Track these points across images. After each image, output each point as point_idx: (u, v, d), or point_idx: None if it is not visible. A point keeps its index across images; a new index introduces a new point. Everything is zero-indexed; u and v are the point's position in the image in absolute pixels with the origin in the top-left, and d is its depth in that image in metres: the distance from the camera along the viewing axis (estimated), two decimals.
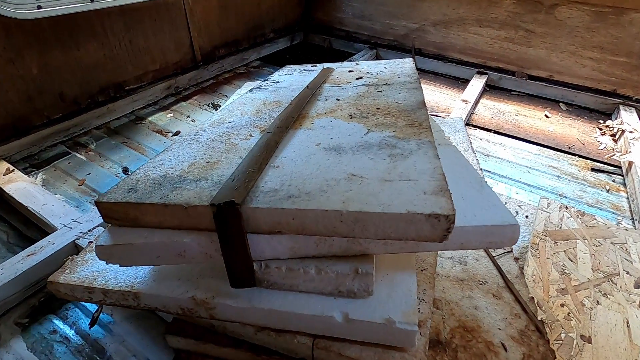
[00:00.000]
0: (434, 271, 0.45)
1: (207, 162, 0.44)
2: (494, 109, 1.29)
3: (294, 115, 0.55)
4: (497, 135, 1.15)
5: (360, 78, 0.78)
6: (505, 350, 0.38)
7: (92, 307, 0.60)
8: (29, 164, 0.90)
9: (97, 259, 0.46)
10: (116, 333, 0.56)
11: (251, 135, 0.51)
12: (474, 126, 1.19)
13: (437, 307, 0.43)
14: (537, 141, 1.12)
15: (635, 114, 1.21)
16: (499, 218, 0.35)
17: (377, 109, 0.56)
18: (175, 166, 0.44)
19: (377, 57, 1.65)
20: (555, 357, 0.37)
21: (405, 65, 0.83)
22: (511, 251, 0.51)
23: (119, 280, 0.42)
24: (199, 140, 0.51)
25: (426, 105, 0.55)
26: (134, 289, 0.40)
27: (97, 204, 0.38)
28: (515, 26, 1.38)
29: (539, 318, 0.40)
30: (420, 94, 0.62)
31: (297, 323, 0.37)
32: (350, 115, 0.55)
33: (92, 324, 0.58)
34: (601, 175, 1.01)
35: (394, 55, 1.62)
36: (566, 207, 0.78)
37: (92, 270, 0.44)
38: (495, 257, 0.50)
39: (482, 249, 0.52)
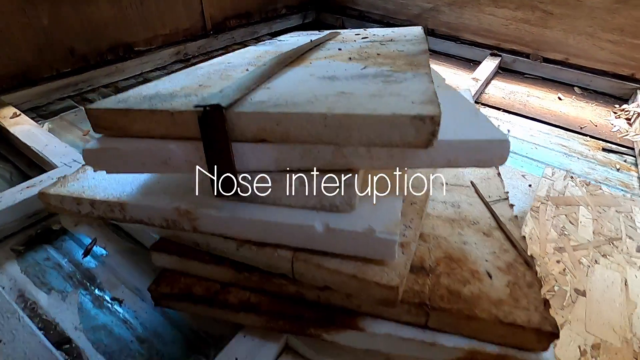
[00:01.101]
0: (423, 205, 0.44)
1: (199, 85, 0.44)
2: (505, 90, 1.26)
3: (293, 57, 0.55)
4: (506, 114, 1.12)
5: (366, 38, 0.77)
6: (490, 277, 0.37)
7: (86, 240, 0.61)
8: (37, 114, 0.92)
9: (88, 177, 0.46)
10: (108, 264, 0.57)
11: (247, 70, 0.51)
12: (483, 104, 1.17)
13: (424, 240, 0.42)
14: (548, 121, 1.09)
15: None
16: (488, 133, 0.34)
17: (378, 54, 0.56)
18: (168, 87, 0.44)
19: None
20: (542, 286, 0.36)
21: (413, 30, 0.82)
22: (507, 198, 0.50)
23: (107, 193, 0.42)
24: (195, 72, 0.51)
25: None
26: (120, 200, 0.41)
27: (87, 110, 0.39)
28: (532, 7, 1.34)
29: (529, 254, 0.39)
30: (424, 45, 0.61)
31: (278, 234, 0.36)
32: (350, 58, 0.54)
33: (85, 254, 0.59)
34: (612, 155, 0.97)
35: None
36: (571, 177, 0.76)
37: (82, 185, 0.44)
38: (490, 202, 0.49)
39: (477, 195, 0.50)
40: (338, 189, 0.35)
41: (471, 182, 0.54)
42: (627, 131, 1.05)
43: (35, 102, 0.93)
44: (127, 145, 0.38)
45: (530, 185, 0.76)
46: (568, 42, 1.31)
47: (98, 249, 0.60)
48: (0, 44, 0.85)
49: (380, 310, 0.37)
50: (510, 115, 1.12)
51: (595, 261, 0.56)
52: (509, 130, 1.02)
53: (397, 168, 0.39)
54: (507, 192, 0.52)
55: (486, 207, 0.48)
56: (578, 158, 0.94)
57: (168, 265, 0.44)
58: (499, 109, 1.14)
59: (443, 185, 0.54)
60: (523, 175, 0.80)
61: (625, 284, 0.53)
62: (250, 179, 0.37)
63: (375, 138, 0.32)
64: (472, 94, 1.08)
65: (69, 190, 0.43)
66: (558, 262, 0.55)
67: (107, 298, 0.52)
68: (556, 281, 0.52)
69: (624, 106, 1.18)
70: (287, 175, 0.36)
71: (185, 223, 0.39)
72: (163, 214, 0.39)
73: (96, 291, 0.53)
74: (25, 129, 0.77)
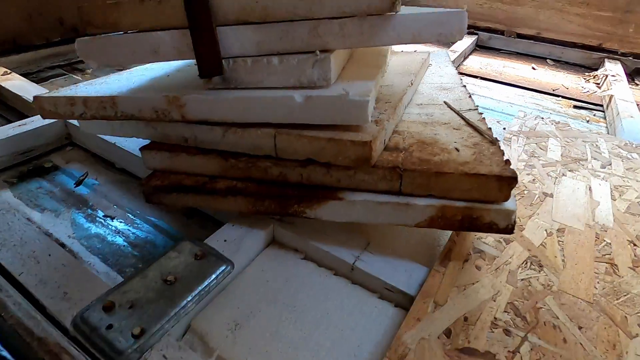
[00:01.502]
0: (397, 103, 0.47)
1: None
2: (482, 62, 1.32)
3: None
4: (483, 81, 1.18)
5: None
6: (458, 151, 0.41)
7: (78, 174, 0.62)
8: (27, 80, 0.94)
9: (80, 87, 0.49)
10: (100, 191, 0.59)
11: None
12: (461, 74, 1.22)
13: (398, 134, 0.46)
14: (522, 85, 1.15)
15: (620, 65, 1.24)
16: (448, 10, 0.38)
17: None
18: None
19: None
20: (504, 155, 0.40)
21: None
22: (477, 109, 0.53)
23: (99, 93, 0.44)
24: None
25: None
26: (112, 95, 0.43)
27: (79, 8, 0.41)
28: None
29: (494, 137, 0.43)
30: None
31: (260, 112, 0.39)
32: None
33: (77, 184, 0.60)
34: (582, 111, 1.03)
35: None
36: (542, 117, 0.81)
37: (75, 90, 0.46)
38: (461, 112, 0.52)
39: (449, 109, 0.54)
40: (314, 63, 0.38)
41: (444, 102, 0.58)
42: (595, 93, 1.11)
43: (25, 68, 0.95)
44: (119, 36, 0.40)
45: (504, 128, 0.81)
46: (539, 17, 1.39)
47: (90, 180, 0.61)
48: None
49: (357, 182, 0.40)
50: (487, 82, 1.17)
51: (563, 174, 0.60)
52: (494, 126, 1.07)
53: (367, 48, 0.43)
54: (477, 106, 0.56)
55: (457, 114, 0.52)
56: (551, 113, 0.99)
57: (158, 165, 0.46)
58: (476, 77, 1.20)
59: (418, 105, 0.57)
60: (498, 121, 0.85)
61: (590, 189, 0.56)
62: (232, 63, 0.40)
63: (345, 6, 0.36)
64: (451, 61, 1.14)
65: (62, 94, 0.46)
66: (528, 174, 0.59)
67: (100, 215, 0.54)
68: (525, 187, 0.56)
69: (593, 72, 1.24)
70: (267, 57, 0.39)
71: (174, 111, 0.42)
72: (153, 104, 0.42)
73: (89, 211, 0.55)
74: (17, 84, 0.79)
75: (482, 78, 1.19)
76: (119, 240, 0.50)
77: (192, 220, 0.54)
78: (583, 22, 1.33)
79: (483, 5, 1.47)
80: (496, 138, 0.44)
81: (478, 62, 1.32)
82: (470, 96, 0.61)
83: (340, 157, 0.38)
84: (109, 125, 0.50)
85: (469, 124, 0.48)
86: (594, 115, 1.00)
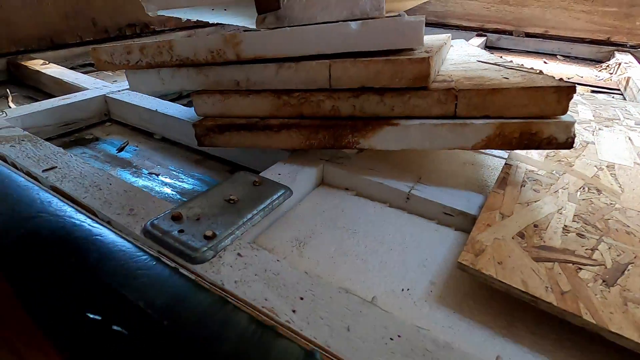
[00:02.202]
0: (438, 49, 0.49)
1: None
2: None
3: None
4: None
5: None
6: (507, 79, 0.42)
7: (119, 143, 0.64)
8: None
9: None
10: (142, 155, 0.60)
11: None
12: None
13: (442, 76, 0.47)
14: None
15: (630, 56, 1.27)
16: None
17: None
18: None
19: None
20: (573, 90, 0.40)
21: None
22: (512, 61, 0.55)
23: (155, 39, 0.46)
24: None
25: None
26: (169, 40, 0.45)
27: None
28: None
29: None
30: None
31: (316, 43, 0.41)
32: None
33: (119, 150, 0.61)
34: (600, 95, 1.04)
35: None
36: None
37: (123, 43, 0.49)
38: (497, 63, 0.54)
39: (479, 62, 0.55)
40: None
41: (478, 60, 0.59)
42: (610, 80, 1.13)
43: (60, 64, 0.98)
44: None
45: None
46: (545, 16, 1.44)
47: (131, 147, 0.62)
48: (33, 9, 0.92)
49: (411, 108, 0.41)
50: None
51: (599, 129, 0.60)
52: None
53: None
54: (512, 61, 0.57)
55: (495, 65, 0.53)
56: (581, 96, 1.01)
57: (210, 110, 0.48)
58: None
59: (452, 64, 0.59)
60: None
61: (630, 139, 0.57)
62: (288, 0, 0.42)
63: None
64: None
65: (118, 43, 0.48)
66: None
67: (145, 172, 0.55)
68: None
69: (606, 63, 1.27)
70: None
71: (229, 50, 0.43)
72: (209, 44, 0.44)
73: (133, 169, 0.56)
74: (57, 71, 0.82)
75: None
76: (167, 190, 0.50)
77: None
78: (589, 18, 1.37)
79: (490, 8, 1.53)
80: (541, 71, 0.45)
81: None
82: (501, 57, 0.62)
83: (397, 78, 0.39)
84: (158, 79, 0.51)
85: (508, 67, 0.50)
86: (613, 97, 1.01)
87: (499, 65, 0.53)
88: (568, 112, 0.38)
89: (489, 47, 1.53)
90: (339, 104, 0.43)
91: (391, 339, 0.23)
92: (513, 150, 0.43)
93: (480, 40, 1.47)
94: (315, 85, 0.43)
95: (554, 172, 0.44)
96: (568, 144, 0.38)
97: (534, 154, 0.49)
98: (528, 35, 1.48)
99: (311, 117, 0.44)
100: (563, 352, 0.26)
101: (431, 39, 0.66)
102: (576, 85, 0.37)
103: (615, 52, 1.32)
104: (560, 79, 0.39)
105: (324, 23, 0.42)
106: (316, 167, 0.45)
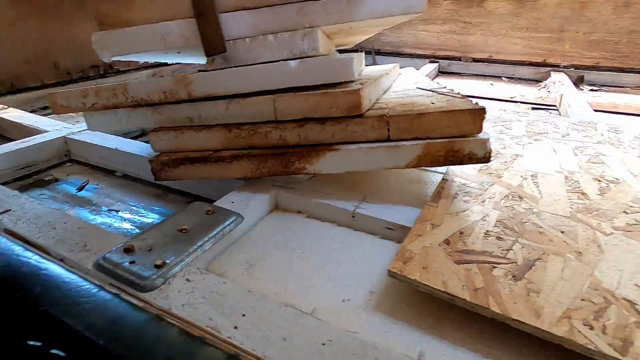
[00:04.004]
0: (376, 79, 0.54)
1: None
2: (446, 84, 1.46)
3: None
4: None
5: None
6: (433, 104, 0.47)
7: (79, 182, 0.64)
8: None
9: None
10: (102, 193, 0.61)
11: None
12: None
13: (380, 103, 0.52)
14: (484, 96, 1.28)
15: (564, 75, 1.41)
16: None
17: None
18: None
19: None
20: (484, 112, 0.46)
21: None
22: (445, 87, 0.61)
23: (110, 83, 0.49)
24: None
25: None
26: (123, 83, 0.48)
27: (97, 10, 0.48)
28: (455, 20, 1.62)
29: None
30: None
31: (260, 80, 0.45)
32: None
33: (79, 190, 0.62)
34: (540, 111, 1.14)
35: None
36: (504, 110, 0.90)
37: (86, 84, 0.51)
38: (432, 89, 0.60)
39: (418, 88, 0.62)
40: (304, 36, 0.45)
41: (417, 87, 0.66)
42: (548, 97, 1.25)
43: (20, 107, 0.99)
44: (132, 28, 0.46)
45: None
46: (488, 43, 1.58)
47: (91, 186, 0.63)
48: None
49: (350, 134, 0.45)
50: None
51: (529, 143, 0.67)
52: None
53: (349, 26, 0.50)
54: (446, 86, 0.64)
55: (429, 90, 0.59)
56: (511, 113, 1.10)
57: (165, 146, 0.50)
58: None
59: (394, 92, 0.65)
60: None
61: (554, 150, 0.63)
62: (233, 44, 0.46)
63: None
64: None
65: (73, 89, 0.50)
66: (499, 145, 0.66)
67: (104, 209, 0.56)
68: (498, 152, 0.62)
69: (543, 82, 1.40)
70: (263, 36, 0.46)
71: (181, 90, 0.47)
72: (162, 85, 0.47)
73: (92, 207, 0.56)
74: (16, 114, 0.82)
75: None
76: (126, 225, 0.51)
77: None
78: (527, 43, 1.52)
79: (439, 37, 1.67)
80: (464, 96, 0.51)
81: (443, 84, 1.46)
82: (438, 83, 0.69)
83: (334, 108, 0.43)
84: (116, 119, 0.53)
85: (439, 93, 0.55)
86: (550, 113, 1.12)
87: (433, 91, 0.59)
88: (484, 131, 0.43)
89: (441, 72, 1.65)
90: (286, 133, 0.46)
91: (323, 344, 0.26)
92: (441, 166, 0.48)
93: (433, 66, 1.59)
94: (262, 118, 0.46)
95: (484, 183, 0.49)
96: (486, 158, 0.43)
97: (469, 169, 0.54)
98: (475, 60, 1.61)
99: (262, 147, 0.48)
100: (484, 343, 0.29)
101: (376, 69, 0.73)
102: (484, 109, 0.42)
103: (551, 72, 1.46)
104: (476, 103, 0.45)
105: (267, 62, 0.47)
106: (268, 193, 0.48)
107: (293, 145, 0.47)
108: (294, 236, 0.43)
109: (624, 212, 0.43)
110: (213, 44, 0.46)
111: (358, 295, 0.34)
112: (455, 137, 0.43)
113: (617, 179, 0.52)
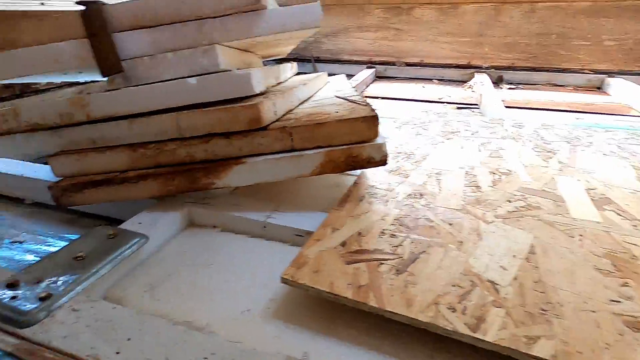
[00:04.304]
0: (287, 91, 0.56)
1: None
2: (381, 88, 1.53)
3: None
4: (381, 100, 1.36)
5: None
6: (337, 112, 0.49)
7: None
8: None
9: None
10: (6, 224, 0.57)
11: None
12: (368, 97, 1.40)
13: (291, 114, 0.54)
14: (415, 98, 1.35)
15: (486, 76, 1.53)
16: (305, 5, 0.48)
17: None
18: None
19: None
20: (373, 111, 0.49)
21: None
22: (360, 95, 0.64)
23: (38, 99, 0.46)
24: None
25: None
26: (14, 106, 0.45)
27: None
28: (387, 27, 1.71)
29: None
30: None
31: (162, 98, 0.44)
32: None
33: None
34: (464, 110, 1.23)
35: (298, 67, 1.86)
36: (426, 112, 0.96)
37: None
38: (346, 97, 0.63)
39: (335, 97, 0.64)
40: (203, 53, 0.46)
41: (335, 95, 0.69)
42: (472, 97, 1.35)
43: None
44: (20, 50, 0.44)
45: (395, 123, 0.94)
46: (418, 48, 1.68)
47: None
48: None
49: (256, 146, 0.46)
50: (384, 100, 1.36)
51: (441, 142, 0.72)
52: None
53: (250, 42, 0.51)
54: (361, 95, 0.67)
55: (341, 98, 0.62)
56: (436, 114, 1.18)
57: (68, 170, 0.48)
58: (377, 97, 1.39)
59: (314, 101, 0.67)
60: (393, 120, 0.99)
61: (462, 148, 0.69)
62: (131, 62, 0.46)
63: (222, 6, 0.44)
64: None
65: None
66: (413, 146, 0.70)
67: (6, 242, 0.52)
68: (412, 152, 0.66)
69: (468, 83, 1.51)
70: (162, 54, 0.46)
71: (78, 113, 0.45)
72: (57, 108, 0.45)
73: None
74: None
75: (382, 98, 1.38)
76: (29, 257, 0.48)
77: None
78: (452, 47, 1.63)
79: (374, 43, 1.74)
80: (368, 104, 0.54)
81: (378, 88, 1.52)
82: (356, 90, 0.73)
83: (236, 123, 0.44)
84: (14, 145, 0.50)
85: (348, 100, 0.58)
86: (473, 111, 1.21)
87: (345, 99, 0.61)
88: (380, 135, 0.46)
89: (379, 77, 1.72)
90: (193, 150, 0.46)
91: (205, 358, 0.26)
92: (344, 172, 0.50)
93: (370, 71, 1.66)
94: (167, 136, 0.46)
95: (391, 184, 0.53)
96: (383, 161, 0.46)
97: (381, 170, 0.57)
98: (408, 64, 1.70)
99: (170, 165, 0.47)
100: (371, 338, 0.31)
101: (297, 79, 0.75)
102: (376, 116, 0.45)
103: (475, 73, 1.57)
104: (372, 110, 0.48)
105: (168, 80, 0.47)
106: (180, 211, 0.48)
107: (201, 161, 0.47)
108: (205, 252, 0.43)
109: (508, 200, 0.48)
110: (109, 64, 0.45)
111: (259, 305, 0.35)
112: (354, 143, 0.46)
113: (509, 170, 0.58)
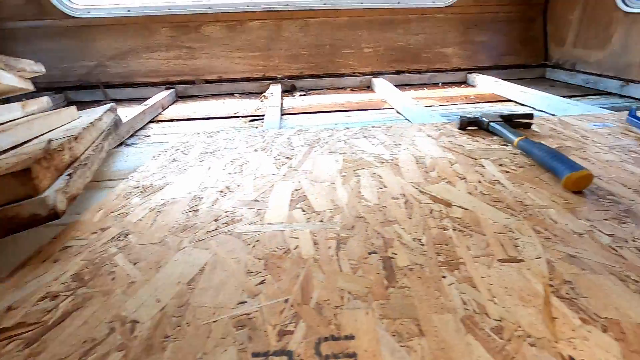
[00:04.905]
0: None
1: None
2: (179, 109, 1.48)
3: None
4: (180, 122, 1.32)
5: None
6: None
7: None
8: None
9: None
10: None
11: None
12: (157, 121, 1.33)
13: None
14: (211, 116, 1.36)
15: (279, 86, 1.65)
16: None
17: None
18: None
19: (67, 100, 1.62)
20: (30, 172, 0.45)
21: None
22: (50, 141, 0.58)
23: None
24: None
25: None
26: None
27: None
28: (178, 46, 1.67)
29: None
30: None
31: None
32: None
33: None
34: (255, 122, 1.30)
35: (85, 94, 1.63)
36: (199, 133, 0.97)
37: None
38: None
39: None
40: None
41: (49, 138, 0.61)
42: (266, 107, 1.44)
43: None
44: None
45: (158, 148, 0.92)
46: (214, 64, 1.70)
47: None
48: None
49: None
50: (182, 122, 1.32)
51: (192, 166, 0.73)
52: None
53: None
54: (50, 140, 0.61)
55: (45, 142, 0.55)
56: (226, 130, 1.20)
57: None
58: (172, 120, 1.33)
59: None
60: (161, 145, 0.96)
61: (209, 169, 0.71)
62: None
63: None
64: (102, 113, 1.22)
65: None
66: (158, 171, 0.69)
67: None
68: (151, 184, 0.65)
69: (263, 94, 1.61)
70: None
71: None
72: None
73: None
74: None
75: (176, 120, 1.33)
76: None
77: None
78: (246, 62, 1.71)
79: (168, 63, 1.68)
80: (50, 147, 0.49)
81: (177, 109, 1.47)
82: (72, 134, 0.66)
83: None
84: None
85: (42, 147, 0.52)
86: (262, 122, 1.29)
87: (50, 141, 0.55)
88: (48, 190, 0.42)
89: (180, 96, 1.67)
90: None
91: None
92: (4, 237, 0.45)
93: (169, 92, 1.58)
94: None
95: (100, 229, 0.49)
96: (53, 215, 0.42)
97: (101, 213, 0.53)
98: (207, 81, 1.70)
99: None
100: None
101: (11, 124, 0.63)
102: (29, 169, 0.41)
103: (271, 84, 1.69)
104: (38, 160, 0.43)
105: None
106: None
107: None
108: None
109: (215, 220, 0.51)
110: None
111: None
112: (10, 203, 0.40)
113: (238, 185, 0.62)
